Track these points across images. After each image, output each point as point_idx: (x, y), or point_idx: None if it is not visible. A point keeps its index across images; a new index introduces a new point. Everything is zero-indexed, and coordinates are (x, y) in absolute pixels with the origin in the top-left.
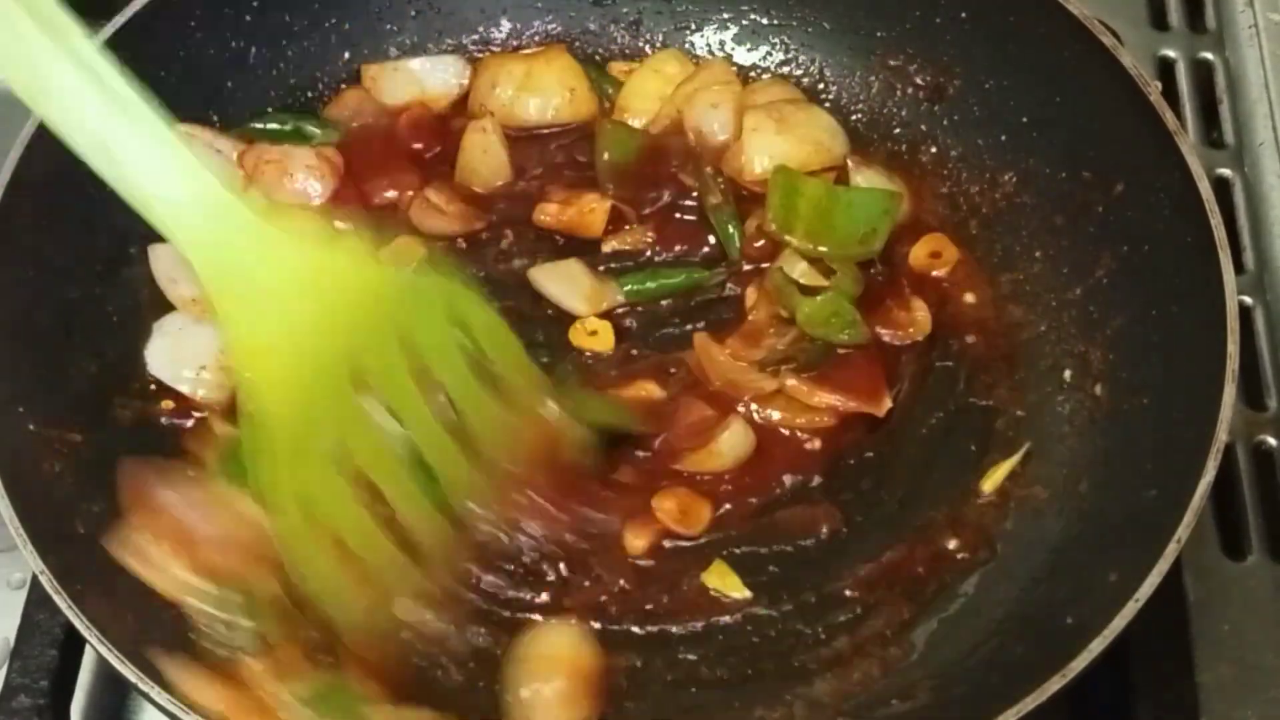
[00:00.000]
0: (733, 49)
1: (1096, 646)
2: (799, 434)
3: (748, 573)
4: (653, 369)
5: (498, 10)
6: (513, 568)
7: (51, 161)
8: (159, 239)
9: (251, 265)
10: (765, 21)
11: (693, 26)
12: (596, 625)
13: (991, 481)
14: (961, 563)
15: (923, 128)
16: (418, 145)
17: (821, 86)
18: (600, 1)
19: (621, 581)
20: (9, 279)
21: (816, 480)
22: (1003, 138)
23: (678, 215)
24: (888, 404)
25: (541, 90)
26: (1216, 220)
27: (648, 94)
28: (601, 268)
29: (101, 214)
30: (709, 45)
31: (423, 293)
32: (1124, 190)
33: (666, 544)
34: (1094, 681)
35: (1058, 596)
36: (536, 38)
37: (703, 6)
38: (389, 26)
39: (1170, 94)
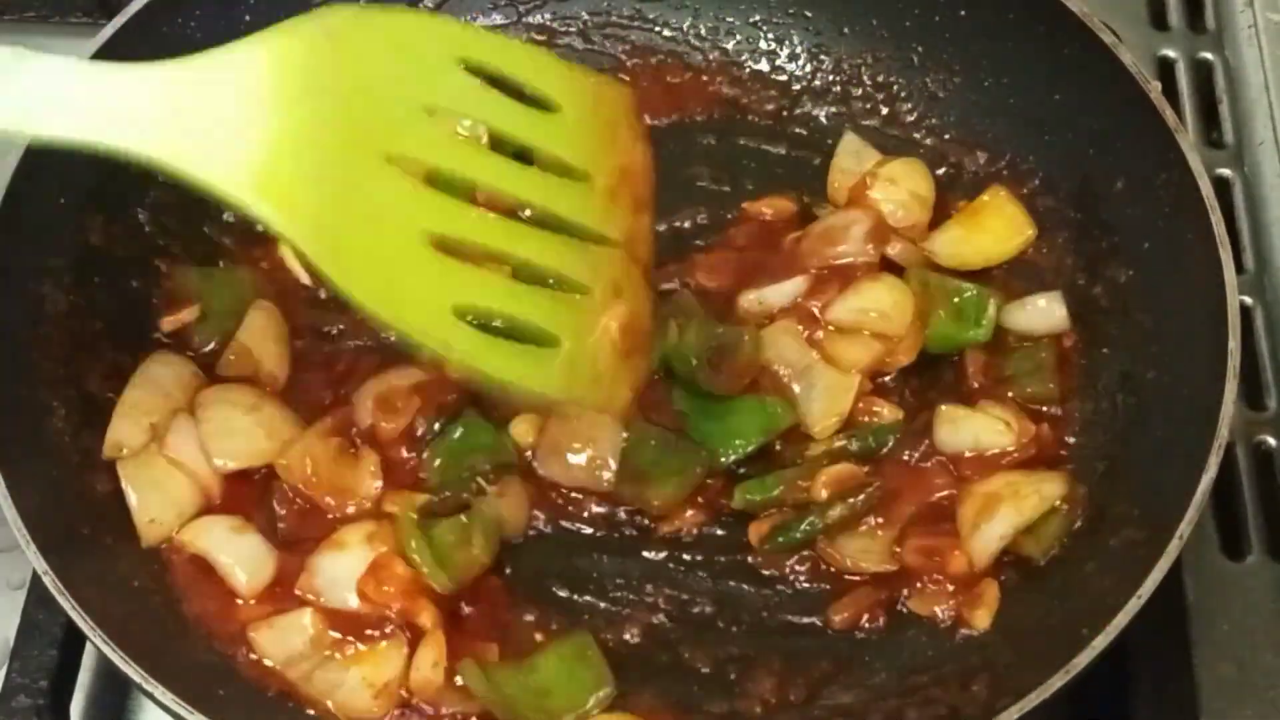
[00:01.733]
0: (726, 45)
1: (1099, 643)
2: None
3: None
4: None
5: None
6: None
7: (54, 162)
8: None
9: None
10: (758, 18)
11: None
12: None
13: None
14: None
15: (922, 125)
16: None
17: (819, 84)
18: None
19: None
20: (13, 284)
21: None
22: (1001, 135)
23: None
24: None
25: None
26: (1217, 216)
27: None
28: None
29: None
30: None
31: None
32: (1124, 188)
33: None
34: (1094, 681)
35: (1061, 593)
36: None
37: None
38: None
39: (1170, 94)
